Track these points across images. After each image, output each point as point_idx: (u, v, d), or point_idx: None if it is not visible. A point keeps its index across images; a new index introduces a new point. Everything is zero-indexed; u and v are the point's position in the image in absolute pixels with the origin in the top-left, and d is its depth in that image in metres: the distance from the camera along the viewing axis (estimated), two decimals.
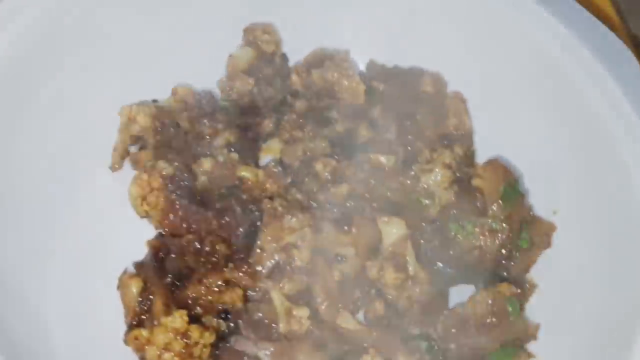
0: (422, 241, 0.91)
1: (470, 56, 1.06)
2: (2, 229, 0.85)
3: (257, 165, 1.00)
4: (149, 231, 0.94)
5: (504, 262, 0.91)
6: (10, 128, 0.88)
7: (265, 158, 1.04)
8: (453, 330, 0.85)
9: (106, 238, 0.95)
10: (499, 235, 0.89)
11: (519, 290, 0.87)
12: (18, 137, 0.89)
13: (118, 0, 0.97)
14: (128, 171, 0.97)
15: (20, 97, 0.88)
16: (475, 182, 0.92)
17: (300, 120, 1.01)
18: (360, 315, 0.91)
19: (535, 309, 0.91)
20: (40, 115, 0.91)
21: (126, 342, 0.82)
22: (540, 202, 0.98)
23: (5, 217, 0.87)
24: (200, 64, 1.03)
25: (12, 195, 0.87)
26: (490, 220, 0.90)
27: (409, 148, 0.97)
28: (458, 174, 0.94)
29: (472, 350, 0.85)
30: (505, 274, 0.92)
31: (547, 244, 0.93)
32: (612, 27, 1.12)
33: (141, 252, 0.92)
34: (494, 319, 0.84)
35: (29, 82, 0.89)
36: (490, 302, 0.85)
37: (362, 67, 1.09)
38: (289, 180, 0.97)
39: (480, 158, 1.03)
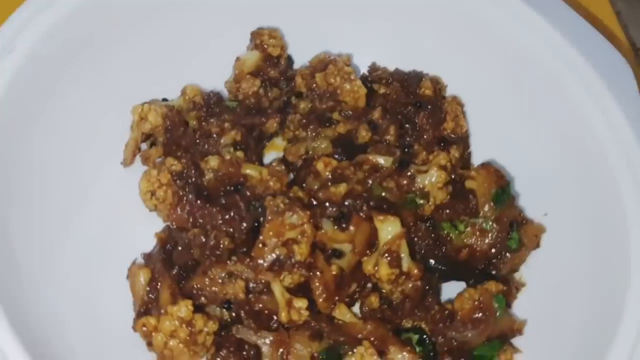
0: (415, 239, 0.96)
1: (467, 61, 1.10)
2: (17, 221, 0.89)
3: (261, 164, 1.05)
4: (158, 224, 0.99)
5: (494, 261, 0.96)
6: (26, 123, 0.92)
7: (268, 155, 1.09)
8: (441, 325, 0.89)
9: (117, 230, 1.00)
10: (489, 235, 0.94)
11: (505, 288, 0.92)
12: (33, 132, 0.93)
13: (129, 2, 1.02)
14: (138, 167, 1.02)
15: (37, 94, 0.93)
16: (469, 183, 0.96)
17: (304, 121, 1.06)
18: (355, 308, 0.96)
19: (523, 306, 0.96)
20: (56, 112, 0.95)
21: (134, 328, 0.87)
22: (531, 205, 1.02)
23: (20, 210, 0.91)
24: (208, 66, 1.08)
25: (27, 188, 0.92)
26: (481, 221, 0.94)
27: (407, 150, 1.01)
28: (453, 176, 0.98)
29: (460, 344, 0.90)
30: (494, 272, 0.96)
31: (536, 245, 0.98)
32: (612, 38, 1.17)
33: (149, 243, 0.97)
34: (480, 314, 0.89)
35: (46, 80, 0.93)
36: (477, 298, 0.90)
37: (364, 69, 1.14)
38: (290, 177, 1.02)
39: (476, 160, 1.08)
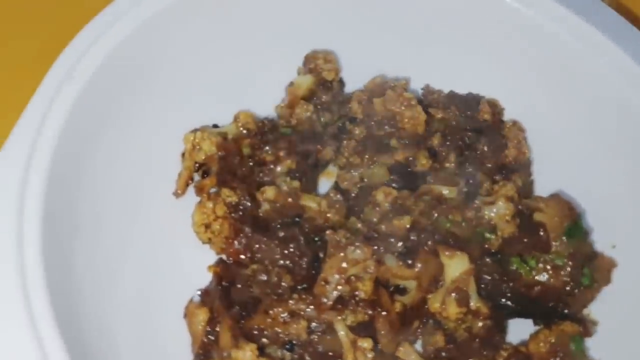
0: (483, 275, 0.92)
1: (526, 84, 1.06)
2: (73, 255, 0.86)
3: (316, 192, 1.01)
4: (209, 255, 0.95)
5: (564, 298, 0.91)
6: (82, 154, 0.89)
7: (321, 183, 1.05)
8: None
9: (168, 263, 0.96)
10: (562, 272, 0.89)
11: (582, 329, 0.87)
12: (88, 163, 0.90)
13: (181, 28, 0.98)
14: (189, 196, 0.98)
15: (94, 124, 0.89)
16: (538, 216, 0.92)
17: (359, 147, 1.02)
18: (417, 346, 0.92)
19: (597, 346, 0.91)
20: (111, 141, 0.92)
21: None
22: (598, 236, 0.98)
23: (74, 243, 0.87)
24: (258, 91, 1.04)
25: (82, 220, 0.88)
26: (554, 257, 0.90)
27: (470, 181, 0.97)
28: (520, 207, 0.94)
29: None
30: (564, 310, 0.91)
31: (608, 281, 0.93)
32: None
33: (202, 275, 0.93)
34: (557, 359, 0.84)
35: (102, 109, 0.90)
36: (553, 341, 0.85)
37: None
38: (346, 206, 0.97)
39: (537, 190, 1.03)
